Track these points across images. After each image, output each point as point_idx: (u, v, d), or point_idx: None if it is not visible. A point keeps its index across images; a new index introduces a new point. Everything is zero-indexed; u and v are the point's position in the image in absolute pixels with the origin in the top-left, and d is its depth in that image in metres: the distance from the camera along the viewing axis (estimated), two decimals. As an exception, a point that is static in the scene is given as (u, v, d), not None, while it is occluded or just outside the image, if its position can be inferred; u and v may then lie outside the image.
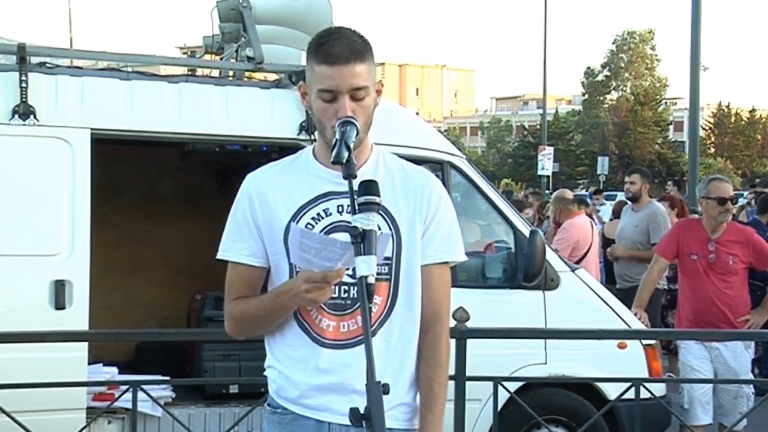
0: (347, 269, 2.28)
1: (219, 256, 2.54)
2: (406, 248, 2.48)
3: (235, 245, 2.51)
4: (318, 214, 2.45)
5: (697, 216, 7.74)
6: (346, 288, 2.44)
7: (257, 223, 2.49)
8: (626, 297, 6.77)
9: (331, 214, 2.45)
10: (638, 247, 8.42)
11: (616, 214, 10.49)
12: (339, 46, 2.37)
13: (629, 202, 8.95)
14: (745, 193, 16.42)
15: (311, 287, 2.29)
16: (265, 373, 2.56)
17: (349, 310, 2.44)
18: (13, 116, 4.83)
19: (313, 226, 2.44)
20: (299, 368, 2.45)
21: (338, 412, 2.39)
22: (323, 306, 2.44)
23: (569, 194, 9.78)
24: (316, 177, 2.49)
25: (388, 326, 2.47)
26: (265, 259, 2.50)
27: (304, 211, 2.46)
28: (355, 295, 2.43)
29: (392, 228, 2.46)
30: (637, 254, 8.32)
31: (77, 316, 4.81)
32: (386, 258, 2.44)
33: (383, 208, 2.39)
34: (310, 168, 2.52)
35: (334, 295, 2.41)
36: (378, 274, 2.38)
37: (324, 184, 2.48)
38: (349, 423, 2.15)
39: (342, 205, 2.45)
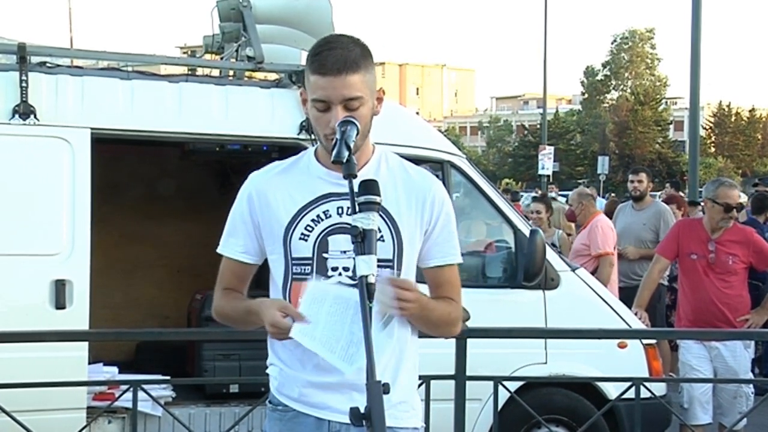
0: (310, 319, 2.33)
1: (218, 250, 2.65)
2: (407, 250, 2.50)
3: (230, 241, 2.61)
4: (318, 216, 2.48)
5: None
6: None
7: (255, 222, 2.54)
8: (631, 297, 6.74)
9: (330, 216, 2.48)
10: (649, 246, 8.33)
11: (609, 213, 10.41)
12: (332, 57, 2.39)
13: (631, 201, 8.96)
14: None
15: (275, 332, 2.38)
16: (267, 371, 2.60)
17: None
18: (13, 116, 4.83)
19: (313, 228, 2.47)
20: (299, 366, 2.48)
21: (338, 410, 2.42)
22: None
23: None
24: (317, 178, 2.51)
25: (389, 327, 2.47)
26: (258, 256, 2.59)
27: (304, 213, 2.48)
28: None
29: (393, 230, 2.48)
30: (648, 253, 7.95)
31: (77, 315, 4.81)
32: (387, 260, 2.46)
33: (384, 210, 2.42)
34: (311, 169, 2.54)
35: None
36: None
37: (324, 185, 2.50)
38: (348, 421, 2.16)
39: (342, 207, 2.46)
